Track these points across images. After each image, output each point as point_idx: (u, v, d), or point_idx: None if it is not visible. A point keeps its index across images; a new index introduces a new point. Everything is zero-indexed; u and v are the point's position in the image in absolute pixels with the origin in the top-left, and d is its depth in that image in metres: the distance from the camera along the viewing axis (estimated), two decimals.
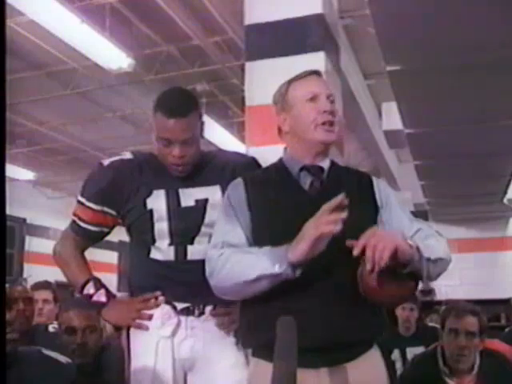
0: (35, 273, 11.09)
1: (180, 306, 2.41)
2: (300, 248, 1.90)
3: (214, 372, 2.37)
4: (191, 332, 2.40)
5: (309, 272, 1.98)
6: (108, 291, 2.51)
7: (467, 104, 6.25)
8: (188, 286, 2.34)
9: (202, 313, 2.42)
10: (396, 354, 4.89)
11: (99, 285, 2.49)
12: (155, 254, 2.44)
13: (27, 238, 14.22)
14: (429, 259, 2.00)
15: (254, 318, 2.09)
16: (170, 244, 2.41)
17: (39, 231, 14.18)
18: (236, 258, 2.03)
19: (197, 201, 2.42)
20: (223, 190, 2.39)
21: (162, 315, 2.41)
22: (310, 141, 2.17)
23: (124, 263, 14.66)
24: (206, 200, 2.42)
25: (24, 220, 13.98)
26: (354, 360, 2.03)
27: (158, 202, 2.41)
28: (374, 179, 2.27)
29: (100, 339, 3.11)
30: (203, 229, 2.40)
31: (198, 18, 7.57)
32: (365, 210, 2.12)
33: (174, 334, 2.39)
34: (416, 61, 5.39)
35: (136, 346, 2.44)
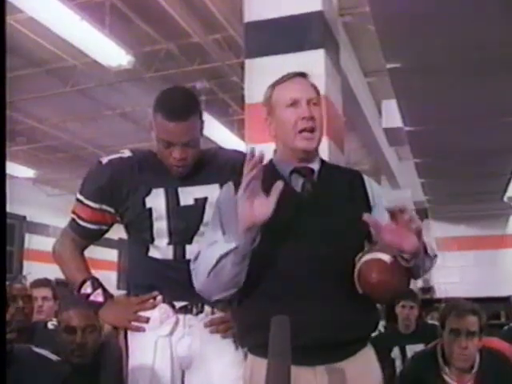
0: (35, 270, 11.08)
1: (178, 304, 2.41)
2: (241, 220, 1.94)
3: (212, 370, 2.37)
4: (189, 330, 2.40)
5: (303, 271, 2.00)
6: (105, 291, 2.50)
7: (467, 102, 6.25)
8: (186, 285, 2.32)
9: (200, 311, 2.41)
10: (396, 352, 4.90)
11: (97, 284, 2.48)
12: (154, 253, 2.43)
13: (27, 236, 14.23)
14: (428, 255, 2.04)
15: (250, 318, 2.10)
16: (169, 243, 2.40)
17: (39, 229, 14.18)
18: (203, 254, 2.08)
19: (196, 200, 2.41)
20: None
21: (160, 314, 2.40)
22: (291, 148, 2.16)
23: (124, 261, 14.65)
24: (206, 199, 2.41)
25: (24, 217, 13.98)
26: (349, 358, 2.04)
27: (157, 200, 2.40)
28: (366, 178, 2.26)
29: (99, 338, 3.10)
30: (202, 228, 2.38)
31: (197, 16, 7.56)
32: (356, 210, 2.08)
33: (172, 332, 2.39)
34: (416, 58, 5.39)
35: (134, 344, 2.43)
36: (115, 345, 2.66)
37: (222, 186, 2.38)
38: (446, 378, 3.33)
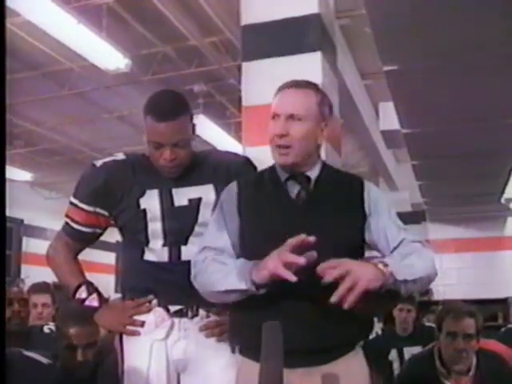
0: (33, 274, 11.08)
1: (173, 308, 2.41)
2: (262, 274, 1.94)
3: (207, 373, 2.37)
4: (184, 334, 2.40)
5: (302, 279, 1.97)
6: (100, 295, 2.50)
7: (464, 104, 6.26)
8: (181, 288, 2.33)
9: (195, 315, 2.41)
10: (393, 354, 4.90)
11: (91, 289, 2.48)
12: (149, 256, 2.43)
13: (24, 239, 14.21)
14: (406, 281, 1.99)
15: (240, 319, 2.13)
16: (164, 244, 2.41)
17: (37, 232, 14.15)
18: (212, 268, 2.10)
19: (190, 200, 2.41)
20: (217, 189, 2.41)
21: (155, 318, 2.40)
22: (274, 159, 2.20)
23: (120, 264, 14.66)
24: (200, 199, 2.41)
25: (21, 221, 13.97)
26: (333, 361, 2.05)
27: (151, 201, 2.40)
28: (366, 184, 2.24)
29: (99, 351, 3.08)
30: (197, 228, 2.39)
31: (194, 19, 7.56)
32: (350, 219, 2.13)
33: (167, 336, 2.39)
34: (413, 61, 5.40)
35: (129, 348, 2.43)
36: (111, 350, 2.65)
37: (216, 186, 2.41)
38: (444, 380, 3.33)
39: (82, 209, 2.47)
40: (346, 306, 1.82)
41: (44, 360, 2.79)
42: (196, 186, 2.42)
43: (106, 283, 9.65)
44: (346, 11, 6.34)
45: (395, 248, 2.13)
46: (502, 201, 11.16)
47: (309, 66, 4.13)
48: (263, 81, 4.21)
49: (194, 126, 2.42)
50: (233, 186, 2.24)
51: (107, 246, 11.96)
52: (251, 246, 2.12)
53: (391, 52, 5.23)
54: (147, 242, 2.42)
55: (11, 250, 13.75)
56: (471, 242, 13.37)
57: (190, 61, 8.69)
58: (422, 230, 12.00)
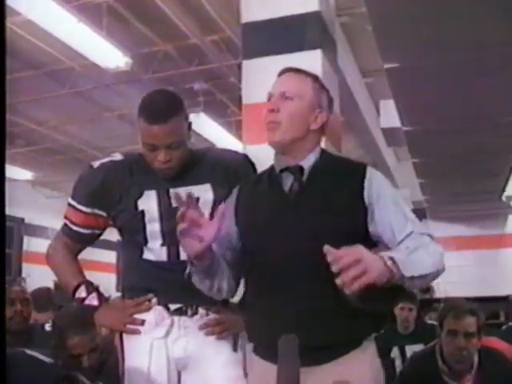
0: (34, 273, 11.10)
1: (173, 306, 2.41)
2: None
3: (208, 371, 2.37)
4: (184, 332, 2.40)
5: (281, 271, 2.01)
6: (100, 294, 2.50)
7: (465, 102, 6.26)
8: (181, 287, 2.32)
9: (194, 313, 2.41)
10: (395, 352, 4.90)
11: (91, 288, 2.48)
12: (148, 255, 2.43)
13: (26, 238, 14.21)
14: (412, 277, 1.91)
15: (246, 315, 2.16)
16: (163, 244, 2.40)
17: (38, 231, 14.15)
18: None
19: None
20: (214, 189, 2.40)
21: (155, 316, 2.40)
22: None
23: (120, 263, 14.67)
24: (197, 199, 2.40)
25: (22, 220, 13.97)
26: (334, 360, 1.99)
27: (149, 202, 2.40)
28: (368, 171, 2.13)
29: (100, 353, 3.08)
30: None
31: (194, 17, 7.56)
32: (348, 209, 2.05)
33: (167, 334, 2.39)
34: (413, 58, 5.39)
35: (130, 347, 2.43)
36: (112, 349, 2.65)
37: (213, 185, 2.41)
38: (445, 377, 3.33)
39: (80, 210, 2.46)
40: (348, 291, 1.75)
41: (47, 359, 2.79)
42: (194, 185, 2.40)
43: (108, 282, 9.66)
44: (346, 9, 6.33)
45: (402, 241, 2.04)
46: (503, 198, 11.17)
47: (309, 63, 4.11)
48: (263, 79, 4.18)
49: (189, 124, 2.41)
50: (235, 190, 2.26)
51: (108, 245, 11.94)
52: (246, 243, 2.14)
53: (392, 50, 5.23)
54: (146, 242, 2.41)
55: (12, 248, 13.75)
56: (472, 239, 13.37)
57: (190, 59, 8.69)
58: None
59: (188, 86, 9.22)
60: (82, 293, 2.46)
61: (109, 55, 7.51)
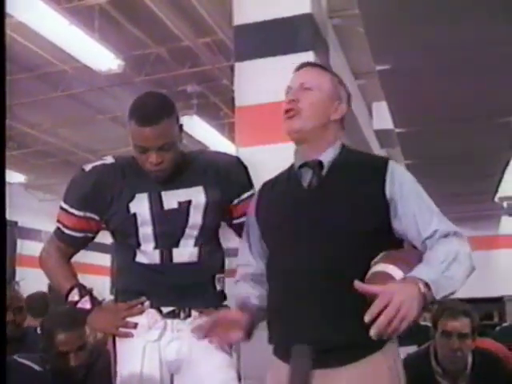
0: (28, 276, 11.06)
1: (166, 309, 2.40)
2: None
3: (200, 374, 2.36)
4: (177, 335, 2.39)
5: (297, 270, 1.99)
6: (92, 297, 2.49)
7: (457, 103, 6.26)
8: (174, 289, 2.33)
9: (187, 316, 2.40)
10: None
11: (84, 291, 2.47)
12: (140, 258, 2.42)
13: (19, 241, 14.17)
14: (443, 296, 1.87)
15: (268, 318, 2.13)
16: (155, 247, 2.39)
17: (31, 234, 14.12)
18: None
19: (180, 203, 2.39)
20: (206, 191, 2.39)
21: (148, 319, 2.39)
22: None
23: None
24: (189, 202, 2.40)
25: (16, 223, 13.93)
26: (350, 363, 1.92)
27: (141, 205, 2.38)
28: (390, 166, 2.06)
29: (89, 353, 3.06)
30: (187, 231, 2.38)
31: (187, 19, 7.56)
32: (368, 205, 1.99)
33: (160, 337, 2.38)
34: (405, 60, 5.39)
35: (123, 350, 2.42)
36: (103, 351, 2.64)
37: (205, 188, 2.40)
38: (439, 379, 3.33)
39: (73, 214, 2.45)
40: (385, 337, 1.73)
41: (37, 367, 2.78)
42: (185, 188, 2.40)
43: (102, 285, 9.64)
44: (338, 11, 6.32)
45: (427, 238, 1.97)
46: (496, 200, 11.17)
47: None
48: (256, 81, 4.21)
49: (181, 126, 2.40)
50: (256, 195, 2.31)
51: (102, 248, 11.94)
52: (266, 241, 2.15)
53: (384, 51, 5.23)
54: (138, 245, 2.40)
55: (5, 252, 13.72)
56: None
57: (183, 61, 8.69)
58: None
59: (181, 88, 9.22)
60: (74, 296, 2.45)
61: (101, 58, 7.51)
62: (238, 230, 2.54)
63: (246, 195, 2.46)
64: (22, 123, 10.72)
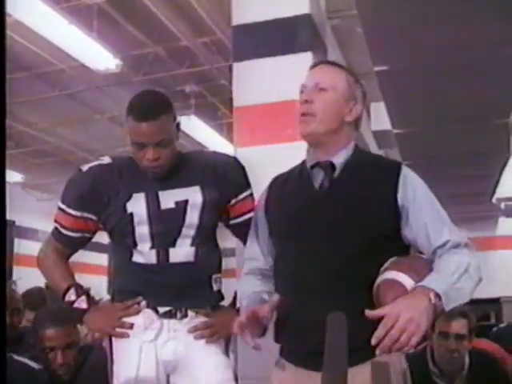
0: (25, 275, 11.04)
1: (162, 309, 2.40)
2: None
3: (197, 374, 2.36)
4: (174, 335, 2.39)
5: (304, 271, 1.98)
6: (89, 297, 2.49)
7: (455, 104, 6.26)
8: (170, 289, 2.34)
9: (184, 316, 2.40)
10: None
11: (80, 291, 2.47)
12: (137, 258, 2.42)
13: (16, 241, 14.16)
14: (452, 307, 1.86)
15: (276, 323, 2.10)
16: (152, 247, 2.39)
17: (29, 233, 14.11)
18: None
19: (176, 202, 2.40)
20: (203, 191, 2.40)
21: (144, 319, 2.39)
22: None
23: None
24: (186, 201, 2.40)
25: (13, 222, 13.92)
26: (359, 364, 1.89)
27: (137, 205, 2.39)
28: (403, 171, 2.04)
29: (79, 353, 3.03)
30: (184, 231, 2.38)
31: (185, 19, 7.56)
32: (379, 209, 1.99)
33: (156, 337, 2.38)
34: (403, 61, 5.40)
35: (119, 349, 2.42)
36: (100, 352, 2.63)
37: (202, 187, 2.40)
38: (436, 379, 3.33)
39: (70, 214, 2.46)
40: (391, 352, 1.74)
41: (34, 365, 2.77)
42: (182, 187, 2.41)
43: (99, 284, 9.63)
44: (337, 11, 6.33)
45: (438, 247, 1.95)
46: (494, 201, 11.18)
47: (300, 66, 4.12)
48: (254, 81, 4.21)
49: (178, 124, 2.41)
50: (264, 190, 2.26)
51: (100, 248, 11.94)
52: (277, 240, 2.13)
53: (382, 52, 5.24)
54: (135, 245, 2.40)
55: None
56: None
57: (181, 61, 8.69)
58: None
59: (179, 88, 9.21)
60: (71, 296, 2.46)
61: (99, 57, 7.52)
62: (235, 230, 2.54)
63: (243, 195, 2.47)
64: (20, 122, 10.71)
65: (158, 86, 8.41)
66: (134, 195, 2.39)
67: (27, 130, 11.10)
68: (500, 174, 9.21)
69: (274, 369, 2.12)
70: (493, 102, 6.18)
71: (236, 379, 2.48)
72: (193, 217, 2.37)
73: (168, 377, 2.41)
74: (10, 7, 6.25)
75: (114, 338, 2.44)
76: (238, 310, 2.42)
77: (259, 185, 2.39)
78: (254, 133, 4.08)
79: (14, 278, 12.59)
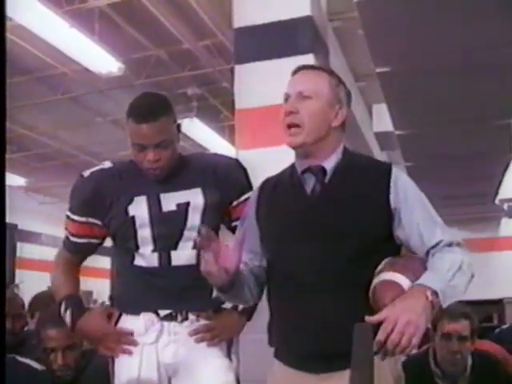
0: (27, 279, 11.06)
1: (163, 312, 2.40)
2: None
3: (198, 377, 2.36)
4: (174, 338, 2.39)
5: (301, 274, 1.98)
6: (75, 312, 2.47)
7: (457, 105, 6.26)
8: (171, 292, 2.33)
9: (184, 319, 2.40)
10: None
11: (69, 305, 2.47)
12: (139, 261, 2.42)
13: (19, 244, 14.17)
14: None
15: (270, 322, 2.11)
16: (154, 250, 2.39)
17: (31, 237, 14.12)
18: None
19: (178, 205, 2.40)
20: (205, 193, 2.40)
21: (144, 322, 2.39)
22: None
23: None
24: (188, 203, 2.40)
25: (15, 226, 13.94)
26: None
27: (139, 208, 2.39)
28: (394, 173, 2.05)
29: (81, 355, 3.02)
30: (186, 233, 2.38)
31: (187, 22, 7.57)
32: (371, 212, 1.99)
33: (157, 340, 2.38)
34: (405, 62, 5.40)
35: None
36: (103, 355, 2.62)
37: (203, 189, 2.40)
38: (438, 381, 3.33)
39: (75, 220, 2.48)
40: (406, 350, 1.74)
41: (38, 366, 2.77)
42: (184, 190, 2.41)
43: (102, 287, 9.63)
44: (338, 13, 6.33)
45: (432, 247, 1.97)
46: (497, 202, 11.16)
47: None
48: (256, 83, 4.22)
49: (178, 126, 2.41)
50: (255, 192, 2.24)
51: (103, 251, 11.94)
52: (267, 246, 2.12)
53: (383, 54, 5.23)
54: (137, 248, 2.40)
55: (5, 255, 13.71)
56: (466, 243, 13.14)
57: (183, 64, 8.70)
58: None
59: (181, 91, 9.22)
60: (61, 308, 2.47)
61: (101, 60, 7.53)
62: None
63: (244, 197, 2.46)
64: (22, 126, 10.73)
65: (159, 89, 8.42)
66: (136, 198, 2.40)
67: (30, 134, 11.12)
68: (503, 175, 9.20)
69: (269, 371, 2.12)
70: (495, 102, 6.18)
71: (238, 382, 2.48)
72: (194, 219, 2.37)
73: (169, 380, 2.41)
74: (12, 10, 6.26)
75: None
76: (239, 313, 2.43)
77: None
78: (256, 135, 4.08)
79: (17, 281, 12.62)
